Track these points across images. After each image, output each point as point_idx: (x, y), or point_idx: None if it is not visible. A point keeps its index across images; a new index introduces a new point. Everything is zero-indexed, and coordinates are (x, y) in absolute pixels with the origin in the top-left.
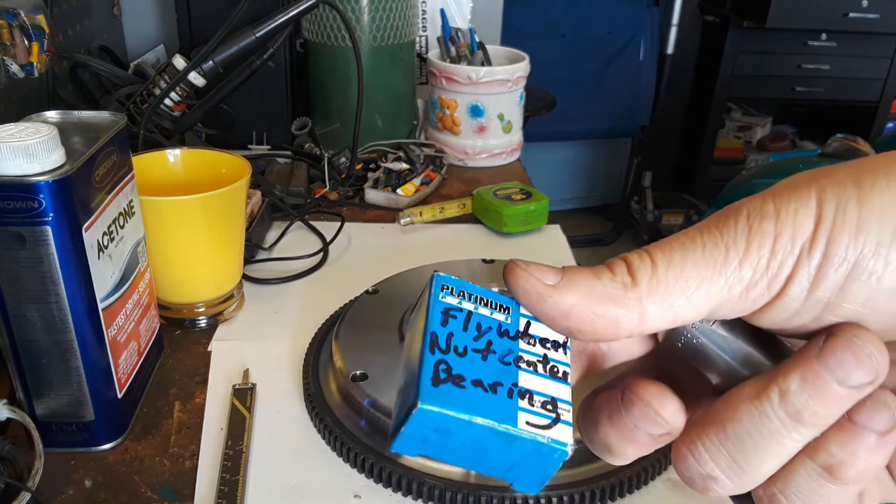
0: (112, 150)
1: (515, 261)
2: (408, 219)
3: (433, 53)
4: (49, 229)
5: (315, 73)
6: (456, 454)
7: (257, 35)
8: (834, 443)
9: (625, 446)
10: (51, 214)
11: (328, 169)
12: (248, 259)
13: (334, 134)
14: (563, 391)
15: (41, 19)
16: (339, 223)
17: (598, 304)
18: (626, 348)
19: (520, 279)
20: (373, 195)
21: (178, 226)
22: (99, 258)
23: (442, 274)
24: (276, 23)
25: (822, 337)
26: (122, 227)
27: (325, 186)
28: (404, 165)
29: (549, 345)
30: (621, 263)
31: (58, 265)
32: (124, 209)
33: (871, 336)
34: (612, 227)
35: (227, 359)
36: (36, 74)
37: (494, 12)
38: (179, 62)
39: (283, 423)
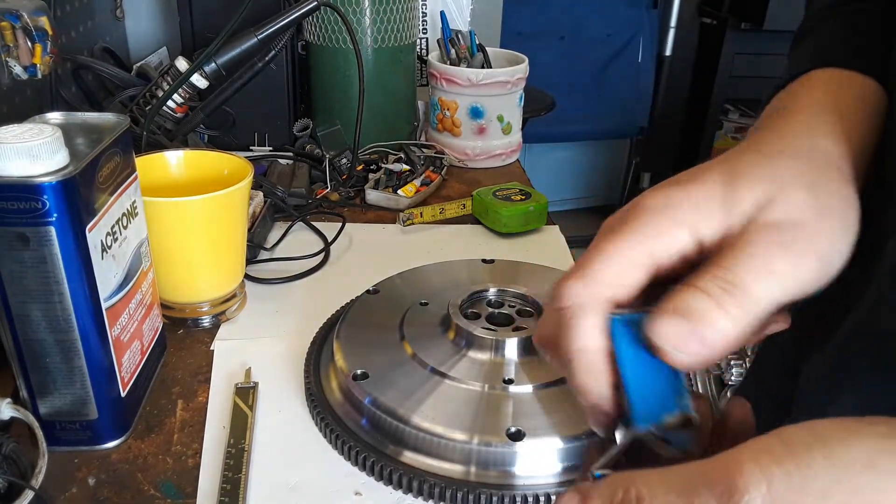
0: (115, 151)
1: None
2: (408, 219)
3: (433, 55)
4: (53, 230)
5: (316, 75)
6: None
7: (259, 37)
8: None
9: None
10: (54, 215)
11: (329, 170)
12: (250, 259)
13: (335, 135)
14: None
15: (44, 21)
16: (340, 224)
17: None
18: None
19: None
20: (373, 196)
21: (181, 227)
22: (102, 258)
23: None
24: (278, 25)
25: None
26: (125, 228)
27: (327, 187)
28: (405, 166)
29: None
30: None
31: (61, 265)
32: (127, 210)
33: None
34: None
35: (229, 358)
36: (39, 76)
37: (494, 14)
38: (182, 64)
39: (284, 421)
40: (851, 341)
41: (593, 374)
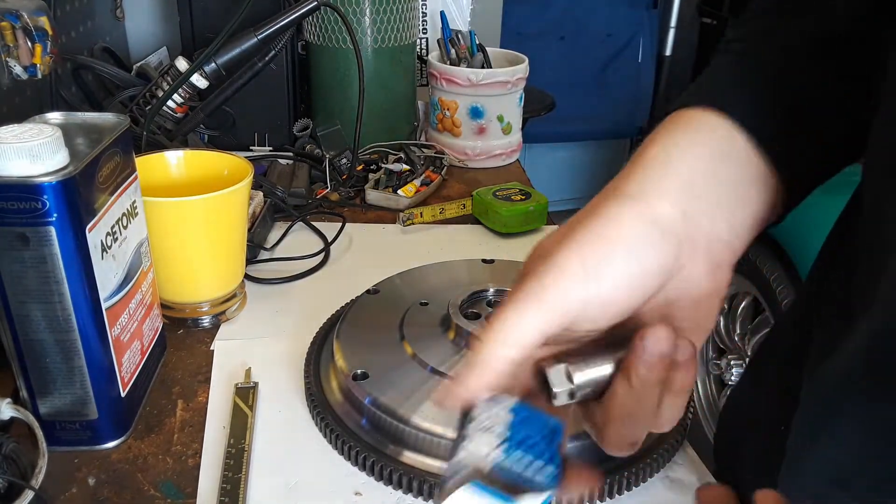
0: (115, 151)
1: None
2: (408, 219)
3: (433, 55)
4: (53, 230)
5: (316, 75)
6: None
7: (259, 37)
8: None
9: None
10: (54, 215)
11: (329, 170)
12: (250, 259)
13: (335, 135)
14: None
15: (44, 21)
16: (340, 224)
17: None
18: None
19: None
20: (373, 196)
21: (181, 227)
22: (102, 258)
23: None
24: (278, 25)
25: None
26: (125, 228)
27: (327, 187)
28: (405, 166)
29: None
30: None
31: (61, 265)
32: (127, 210)
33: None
34: None
35: (229, 358)
36: (39, 76)
37: (494, 14)
38: (182, 64)
39: (284, 421)
40: (853, 365)
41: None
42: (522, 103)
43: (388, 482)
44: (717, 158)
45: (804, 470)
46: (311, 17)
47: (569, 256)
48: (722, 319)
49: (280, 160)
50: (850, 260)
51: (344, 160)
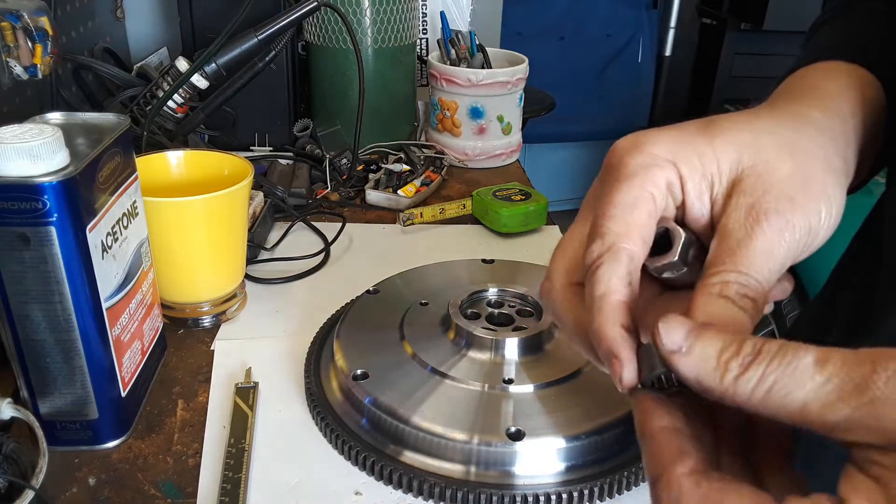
0: (116, 151)
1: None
2: (408, 219)
3: (433, 56)
4: (53, 230)
5: (316, 76)
6: None
7: (259, 37)
8: None
9: None
10: (55, 215)
11: (329, 170)
12: (251, 259)
13: (335, 135)
14: None
15: (45, 21)
16: (340, 224)
17: None
18: None
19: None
20: (374, 196)
21: (181, 227)
22: (103, 258)
23: None
24: (278, 25)
25: None
26: (125, 228)
27: (327, 187)
28: (405, 166)
29: None
30: None
31: (62, 265)
32: (128, 210)
33: None
34: None
35: (229, 358)
36: (39, 76)
37: (494, 15)
38: (182, 64)
39: (284, 421)
40: None
41: (611, 317)
42: (522, 103)
43: (388, 482)
44: (870, 117)
45: (825, 460)
46: (311, 18)
47: (811, 205)
48: None
49: (280, 160)
50: (874, 255)
51: (344, 160)
